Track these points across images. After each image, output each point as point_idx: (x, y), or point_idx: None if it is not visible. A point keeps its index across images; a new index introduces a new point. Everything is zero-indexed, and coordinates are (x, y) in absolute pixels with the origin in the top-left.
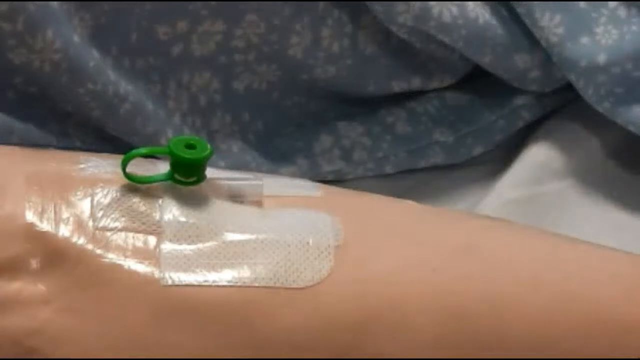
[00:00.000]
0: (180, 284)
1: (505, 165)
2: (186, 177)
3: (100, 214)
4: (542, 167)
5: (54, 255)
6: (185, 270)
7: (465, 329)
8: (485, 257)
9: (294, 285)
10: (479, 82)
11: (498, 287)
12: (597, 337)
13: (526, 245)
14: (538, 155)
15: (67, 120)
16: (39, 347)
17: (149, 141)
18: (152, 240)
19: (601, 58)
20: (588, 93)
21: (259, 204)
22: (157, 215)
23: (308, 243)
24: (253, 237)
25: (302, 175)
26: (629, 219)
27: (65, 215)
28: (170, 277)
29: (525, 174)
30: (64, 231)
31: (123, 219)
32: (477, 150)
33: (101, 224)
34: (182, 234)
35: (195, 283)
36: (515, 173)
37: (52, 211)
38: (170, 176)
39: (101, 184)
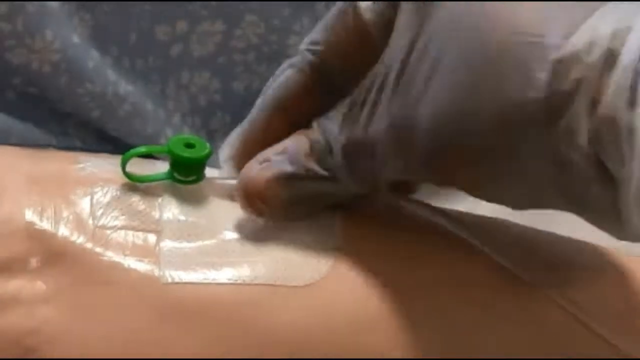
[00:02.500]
0: (180, 282)
1: None
2: (185, 176)
3: (99, 212)
4: None
5: (54, 254)
6: (185, 269)
7: None
8: None
9: (294, 284)
10: None
11: None
12: None
13: None
14: None
15: (67, 121)
16: (38, 345)
17: (149, 141)
18: (151, 238)
19: None
20: None
21: None
22: (156, 214)
23: (308, 241)
24: (253, 235)
25: None
26: None
27: (65, 214)
28: (170, 275)
29: None
30: (64, 230)
31: (123, 217)
32: None
33: (101, 223)
34: (181, 232)
35: (195, 281)
36: None
37: (52, 210)
38: (169, 175)
39: (101, 183)
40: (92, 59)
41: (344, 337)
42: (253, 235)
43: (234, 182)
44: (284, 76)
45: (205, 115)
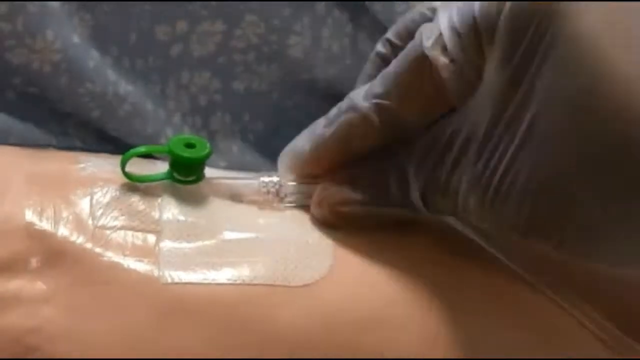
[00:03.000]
0: (179, 282)
1: None
2: (185, 176)
3: (99, 212)
4: None
5: (54, 254)
6: (184, 269)
7: None
8: None
9: (293, 284)
10: None
11: None
12: None
13: None
14: None
15: (67, 121)
16: (38, 345)
17: (149, 141)
18: (151, 238)
19: None
20: None
21: (258, 203)
22: (156, 214)
23: (307, 241)
24: (252, 235)
25: None
26: None
27: (64, 214)
28: (170, 276)
29: None
30: (64, 230)
31: (122, 217)
32: None
33: (100, 223)
34: (181, 232)
35: (195, 281)
36: None
37: (52, 210)
38: (169, 175)
39: (100, 183)
40: (93, 58)
41: (343, 337)
42: (252, 235)
43: (233, 182)
44: (345, 121)
45: (205, 115)
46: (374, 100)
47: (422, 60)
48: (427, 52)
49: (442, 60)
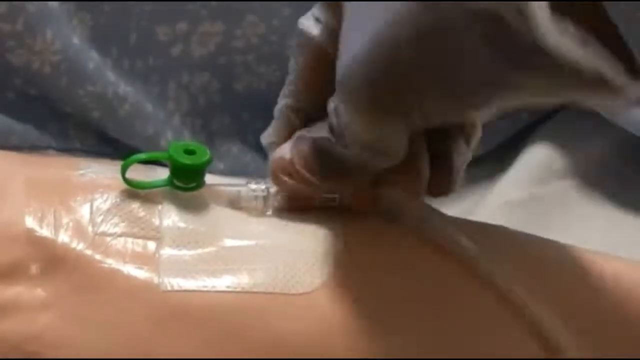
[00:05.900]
0: (179, 289)
1: (505, 165)
2: (186, 182)
3: (99, 219)
4: (543, 167)
5: (54, 261)
6: (184, 276)
7: None
8: None
9: (293, 291)
10: None
11: None
12: None
13: None
14: (539, 156)
15: (67, 121)
16: (38, 352)
17: (149, 142)
18: (151, 245)
19: None
20: None
21: (249, 210)
22: (156, 221)
23: (307, 249)
24: (252, 242)
25: None
26: (629, 217)
27: (64, 220)
28: (170, 283)
29: (526, 174)
30: (64, 236)
31: (122, 224)
32: (477, 151)
33: (100, 229)
34: (181, 239)
35: (195, 288)
36: (516, 173)
37: (52, 216)
38: (169, 182)
39: (101, 190)
40: (92, 59)
41: (341, 345)
42: (252, 242)
43: (234, 189)
44: (274, 126)
45: (205, 116)
46: (284, 92)
47: (297, 36)
48: (300, 25)
49: (309, 23)
